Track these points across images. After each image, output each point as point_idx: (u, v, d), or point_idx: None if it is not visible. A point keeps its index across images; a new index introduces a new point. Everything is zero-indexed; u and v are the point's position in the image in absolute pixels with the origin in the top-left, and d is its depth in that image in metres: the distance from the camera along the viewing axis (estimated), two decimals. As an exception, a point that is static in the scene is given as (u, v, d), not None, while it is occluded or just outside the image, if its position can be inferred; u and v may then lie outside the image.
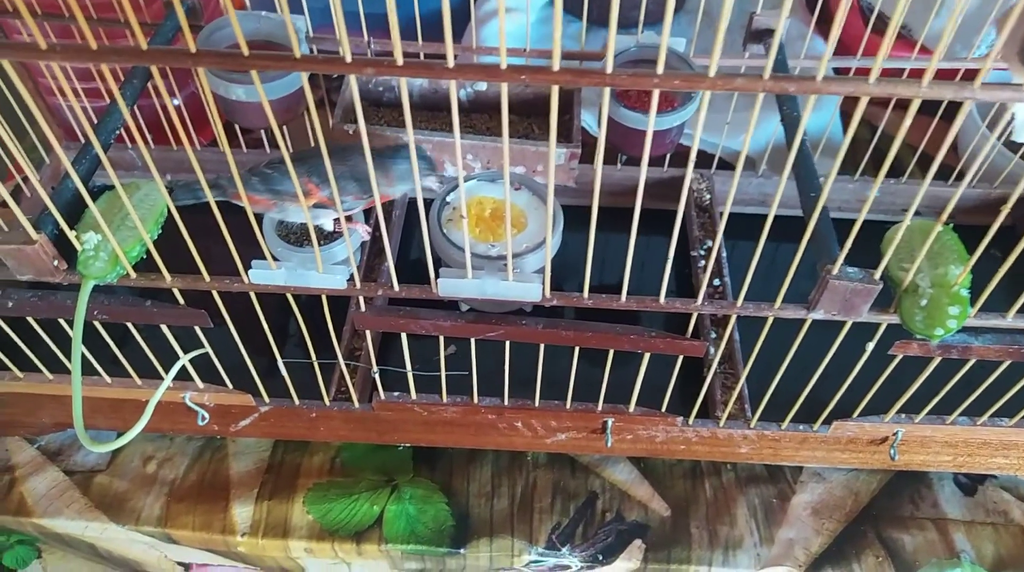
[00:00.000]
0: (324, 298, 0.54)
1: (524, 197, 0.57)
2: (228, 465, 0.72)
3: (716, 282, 0.75)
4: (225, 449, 0.73)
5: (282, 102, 0.69)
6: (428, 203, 0.60)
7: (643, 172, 0.42)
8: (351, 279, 0.52)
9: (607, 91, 0.41)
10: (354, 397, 0.65)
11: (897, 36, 0.78)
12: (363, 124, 0.41)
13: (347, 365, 0.63)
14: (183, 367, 0.59)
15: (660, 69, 0.39)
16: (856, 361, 0.57)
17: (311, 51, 0.72)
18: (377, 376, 0.61)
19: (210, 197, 0.47)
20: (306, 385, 0.64)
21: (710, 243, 0.78)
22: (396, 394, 0.64)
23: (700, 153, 0.84)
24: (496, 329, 0.55)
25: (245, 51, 0.38)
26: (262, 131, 0.83)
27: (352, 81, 0.41)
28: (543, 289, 0.52)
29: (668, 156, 0.82)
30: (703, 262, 0.77)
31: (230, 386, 0.64)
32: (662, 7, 0.96)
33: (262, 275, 0.52)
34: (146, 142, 0.83)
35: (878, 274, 0.50)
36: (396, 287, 0.53)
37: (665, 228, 0.96)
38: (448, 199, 0.57)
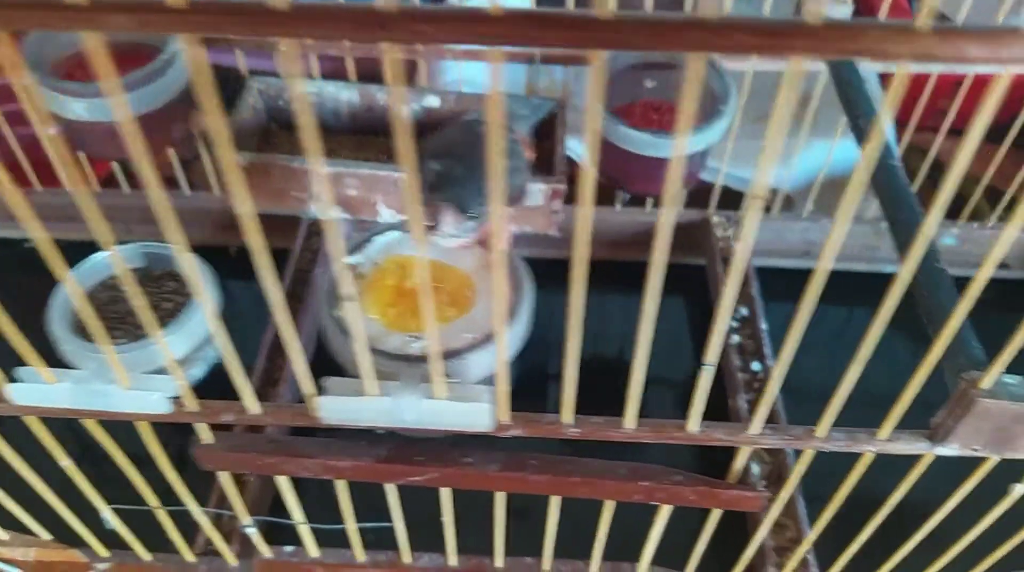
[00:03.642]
0: (148, 425, 0.34)
1: (473, 257, 0.37)
2: (68, 634, 0.51)
3: (755, 367, 0.54)
4: (66, 609, 0.52)
5: (145, 122, 0.49)
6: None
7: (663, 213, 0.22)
8: (179, 397, 0.32)
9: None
10: (227, 554, 0.43)
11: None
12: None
13: (208, 514, 0.42)
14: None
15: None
16: (986, 504, 0.37)
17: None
18: (252, 530, 0.40)
19: None
20: (163, 530, 0.43)
21: (744, 311, 0.57)
22: (289, 550, 0.43)
23: (726, 191, 0.64)
24: (425, 472, 0.34)
25: None
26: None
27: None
28: (496, 411, 0.31)
29: (684, 194, 0.62)
30: (736, 338, 0.56)
31: (45, 536, 0.43)
32: (669, 6, 0.77)
33: (32, 392, 0.32)
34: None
35: (1056, 386, 0.30)
36: (255, 408, 0.32)
37: (680, 287, 0.76)
38: (352, 262, 0.37)
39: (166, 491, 0.39)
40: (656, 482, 0.33)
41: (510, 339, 0.34)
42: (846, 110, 0.44)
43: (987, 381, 0.29)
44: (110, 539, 0.45)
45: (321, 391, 0.31)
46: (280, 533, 0.43)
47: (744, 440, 0.32)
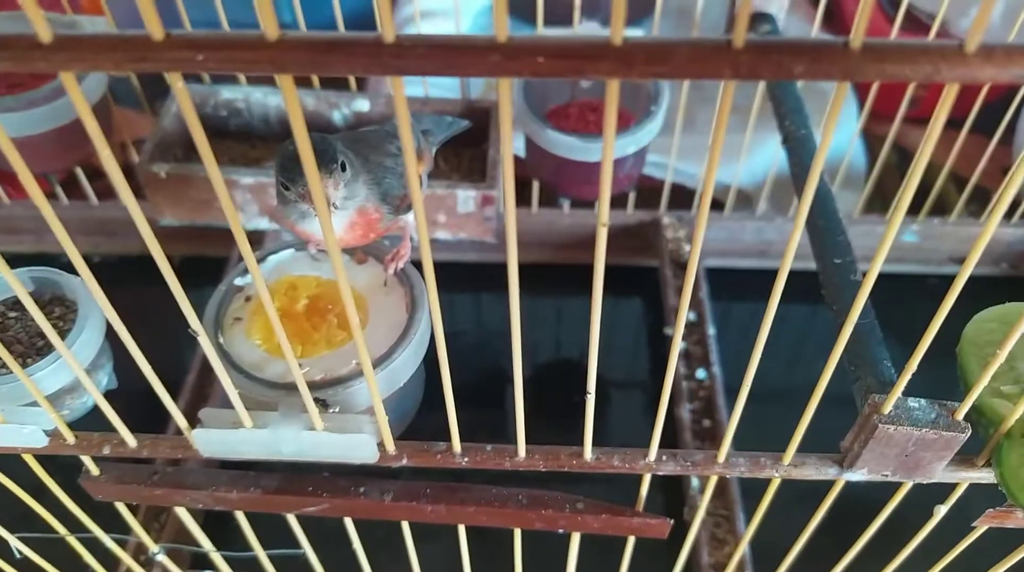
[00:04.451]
0: (32, 458, 0.33)
1: (367, 274, 0.35)
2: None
3: (701, 375, 0.53)
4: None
5: (56, 137, 0.48)
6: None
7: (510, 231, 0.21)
8: (55, 432, 0.31)
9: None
10: (146, 580, 0.42)
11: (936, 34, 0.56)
12: None
13: (117, 541, 0.41)
14: None
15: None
16: (912, 527, 0.35)
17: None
18: (161, 556, 0.39)
19: None
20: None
21: (692, 316, 0.56)
22: (207, 576, 0.42)
23: (676, 188, 0.62)
24: (318, 503, 0.33)
25: None
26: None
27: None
28: (381, 441, 0.30)
29: (632, 195, 0.60)
30: (682, 344, 0.55)
31: (-40, 566, 0.42)
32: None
33: (-99, 429, 0.30)
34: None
35: (963, 411, 0.28)
36: (131, 441, 0.31)
37: (633, 290, 0.74)
38: (241, 283, 0.35)
39: (92, 516, 0.38)
40: (556, 510, 0.32)
41: (404, 360, 0.33)
42: (774, 109, 0.42)
43: (888, 406, 0.28)
44: (34, 568, 0.44)
45: (197, 423, 0.30)
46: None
47: (642, 468, 0.30)
